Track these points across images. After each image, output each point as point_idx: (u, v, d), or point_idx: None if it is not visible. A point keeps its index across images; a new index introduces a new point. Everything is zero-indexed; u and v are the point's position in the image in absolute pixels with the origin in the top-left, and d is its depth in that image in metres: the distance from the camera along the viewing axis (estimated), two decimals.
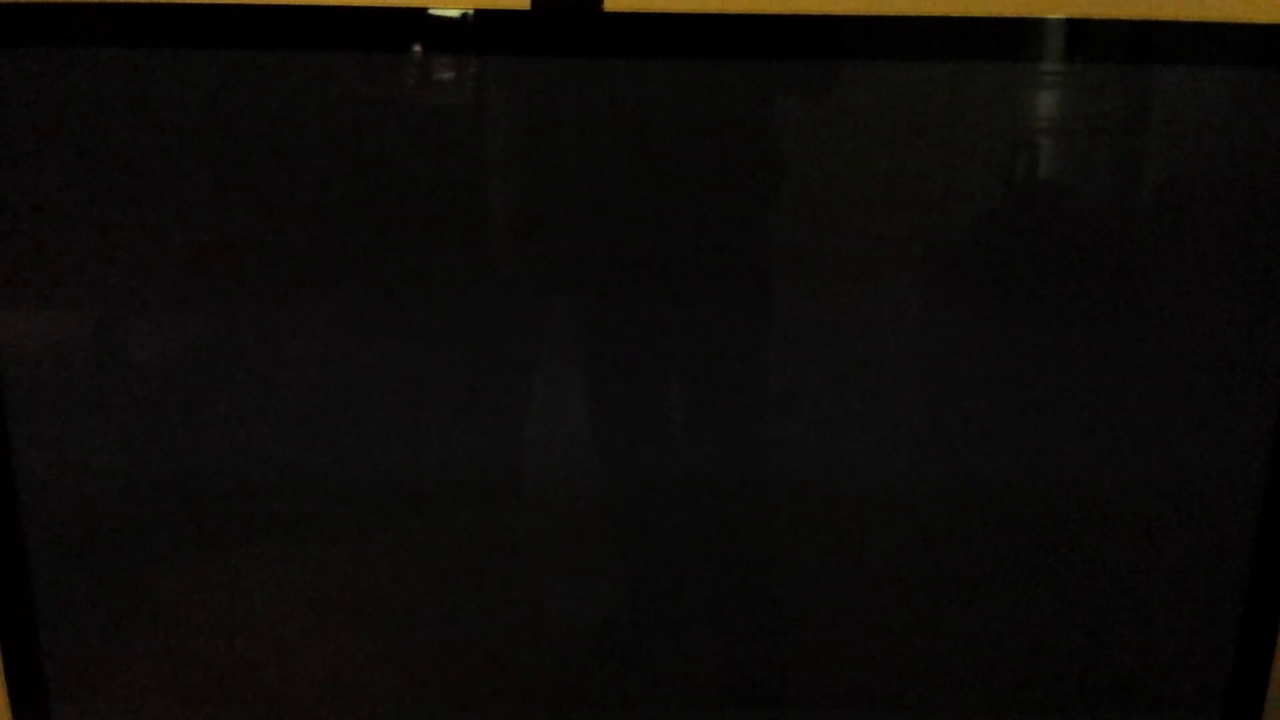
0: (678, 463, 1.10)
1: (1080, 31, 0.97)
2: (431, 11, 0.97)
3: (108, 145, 0.98)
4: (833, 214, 1.02)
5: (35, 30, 0.95)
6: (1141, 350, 1.05)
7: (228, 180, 1.00)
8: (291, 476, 1.08)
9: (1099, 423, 1.06)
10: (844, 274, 1.04)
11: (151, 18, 0.95)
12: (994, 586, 1.11)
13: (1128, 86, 1.00)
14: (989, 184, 1.02)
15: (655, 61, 0.97)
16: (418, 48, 0.98)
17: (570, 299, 1.07)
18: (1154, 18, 0.98)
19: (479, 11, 0.96)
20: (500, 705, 1.14)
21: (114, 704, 1.13)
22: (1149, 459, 1.07)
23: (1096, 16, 0.97)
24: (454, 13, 0.97)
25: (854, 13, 0.97)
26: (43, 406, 1.05)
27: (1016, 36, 0.98)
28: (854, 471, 1.08)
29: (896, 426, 1.07)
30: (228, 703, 1.13)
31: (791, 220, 1.03)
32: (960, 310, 1.05)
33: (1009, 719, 1.14)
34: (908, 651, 1.13)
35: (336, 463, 1.07)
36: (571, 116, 1.00)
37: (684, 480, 1.10)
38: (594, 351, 1.08)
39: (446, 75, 0.99)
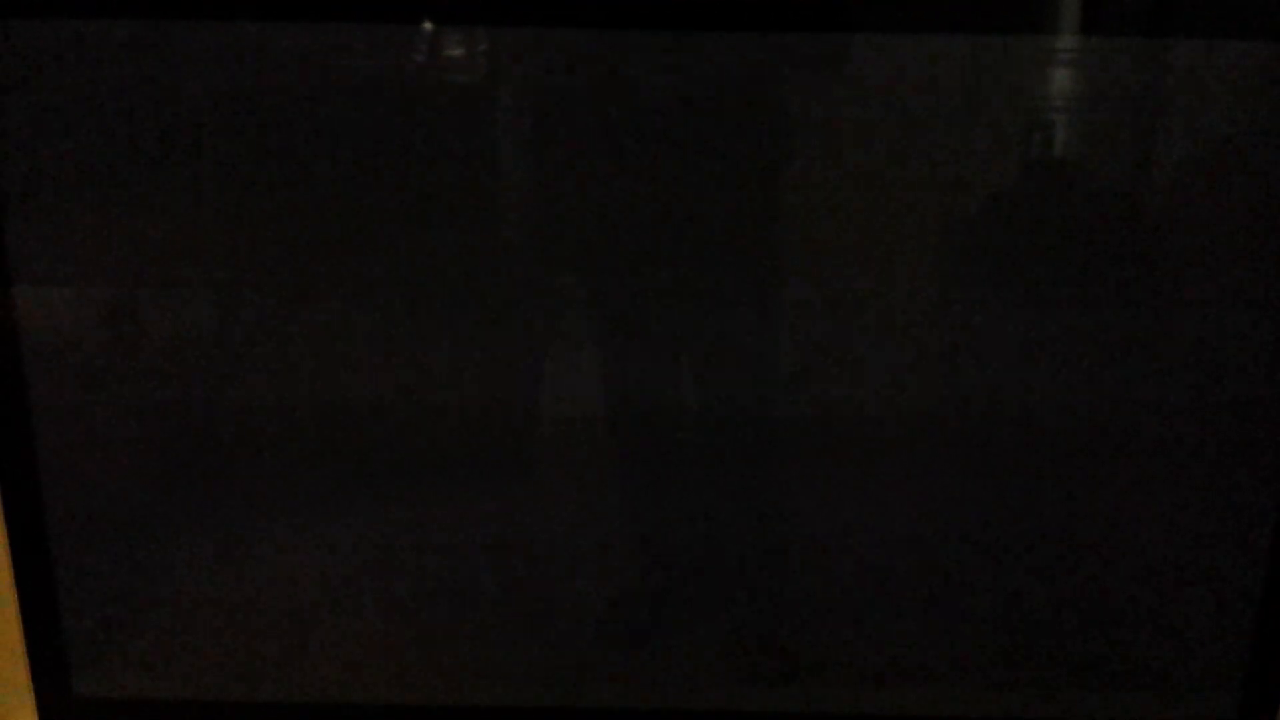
0: (690, 439, 1.10)
1: (1097, 4, 0.96)
2: None
3: (124, 123, 0.99)
4: (845, 187, 1.01)
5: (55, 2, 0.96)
6: (1166, 327, 1.04)
7: (242, 157, 1.01)
8: (308, 453, 1.09)
9: (1120, 404, 1.05)
10: (862, 250, 1.03)
11: None
12: (1012, 569, 1.11)
13: (1150, 60, 0.98)
14: (1009, 158, 1.01)
15: (667, 34, 0.96)
16: (430, 19, 0.98)
17: (582, 275, 1.07)
18: None
19: None
20: (513, 682, 1.14)
21: (133, 675, 1.15)
22: (1173, 441, 1.06)
23: None
24: None
25: None
26: (64, 383, 1.06)
27: (1036, 9, 0.97)
28: (868, 449, 1.08)
29: (910, 406, 1.07)
30: (244, 674, 1.15)
31: (804, 195, 1.02)
32: (980, 287, 1.04)
33: (1024, 699, 1.13)
34: (918, 633, 1.13)
35: (352, 440, 1.08)
36: (585, 89, 0.99)
37: (696, 456, 1.10)
38: (607, 327, 1.08)
39: (457, 51, 0.99)
